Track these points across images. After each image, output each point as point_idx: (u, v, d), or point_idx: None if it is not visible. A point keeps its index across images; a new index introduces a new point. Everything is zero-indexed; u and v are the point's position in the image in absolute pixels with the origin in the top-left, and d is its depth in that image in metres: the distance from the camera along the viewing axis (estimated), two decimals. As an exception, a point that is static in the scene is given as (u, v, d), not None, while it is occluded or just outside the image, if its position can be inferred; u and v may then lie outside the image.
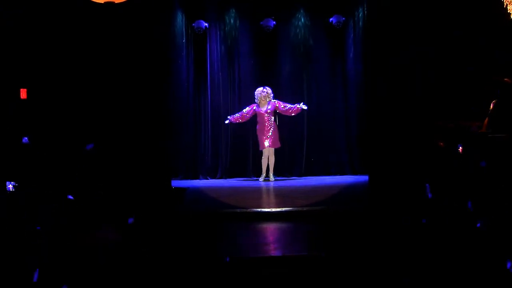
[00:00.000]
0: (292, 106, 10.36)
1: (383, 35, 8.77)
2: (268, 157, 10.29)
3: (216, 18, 10.79)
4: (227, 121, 10.51)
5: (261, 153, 10.42)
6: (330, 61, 10.96)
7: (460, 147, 7.29)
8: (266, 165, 10.32)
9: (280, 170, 10.78)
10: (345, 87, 10.99)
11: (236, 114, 10.48)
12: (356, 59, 10.73)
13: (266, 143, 10.24)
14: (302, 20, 10.86)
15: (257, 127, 10.38)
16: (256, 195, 8.96)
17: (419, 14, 8.62)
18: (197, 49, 10.83)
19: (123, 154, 8.52)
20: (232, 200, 8.24)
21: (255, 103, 10.38)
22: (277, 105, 10.33)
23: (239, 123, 10.54)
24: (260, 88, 10.35)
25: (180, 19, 10.64)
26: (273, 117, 10.33)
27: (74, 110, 8.87)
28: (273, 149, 10.29)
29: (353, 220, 6.98)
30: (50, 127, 8.71)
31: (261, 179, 10.30)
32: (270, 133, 10.25)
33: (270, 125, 10.27)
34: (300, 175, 10.92)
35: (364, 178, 9.77)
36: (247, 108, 10.42)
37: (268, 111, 10.27)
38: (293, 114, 10.45)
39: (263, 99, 10.29)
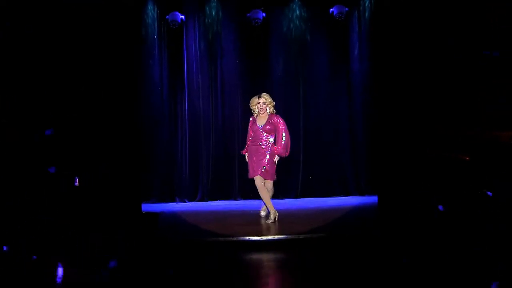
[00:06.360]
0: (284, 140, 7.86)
1: (396, 25, 8.46)
2: (263, 186, 7.91)
3: (194, 10, 10.08)
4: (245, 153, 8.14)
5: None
6: (331, 60, 10.26)
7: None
8: (268, 198, 7.91)
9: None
10: (349, 91, 10.30)
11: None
12: (362, 57, 10.15)
13: (258, 171, 7.82)
14: (297, 11, 10.18)
15: (249, 144, 8.04)
16: (243, 220, 8.31)
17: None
18: (172, 46, 10.11)
19: (82, 173, 8.35)
20: (214, 227, 7.79)
21: (252, 114, 8.23)
22: (279, 125, 7.84)
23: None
24: (265, 97, 8.04)
25: (151, 11, 9.96)
26: (272, 138, 7.91)
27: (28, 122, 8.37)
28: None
29: (358, 249, 6.79)
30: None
31: (271, 217, 7.82)
32: (265, 159, 7.81)
33: (267, 147, 7.86)
34: (296, 196, 10.22)
35: (373, 199, 9.46)
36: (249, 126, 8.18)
37: (267, 128, 7.89)
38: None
39: (260, 111, 7.92)
